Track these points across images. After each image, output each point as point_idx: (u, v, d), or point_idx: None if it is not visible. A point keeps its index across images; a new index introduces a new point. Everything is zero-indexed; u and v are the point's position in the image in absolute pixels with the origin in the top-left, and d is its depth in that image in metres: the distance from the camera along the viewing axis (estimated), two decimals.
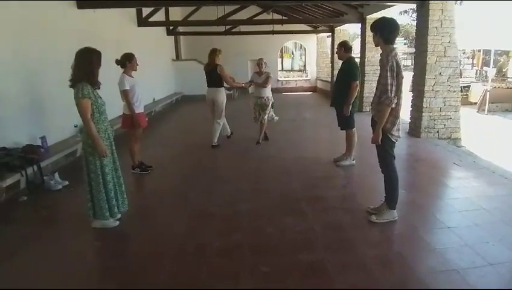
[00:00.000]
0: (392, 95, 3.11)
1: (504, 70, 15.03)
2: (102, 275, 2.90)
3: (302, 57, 21.82)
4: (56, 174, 4.61)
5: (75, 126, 5.82)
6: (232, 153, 6.19)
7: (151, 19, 9.82)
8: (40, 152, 4.67)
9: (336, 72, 5.85)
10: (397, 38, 3.41)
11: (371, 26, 3.30)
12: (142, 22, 9.72)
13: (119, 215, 3.52)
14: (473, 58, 23.48)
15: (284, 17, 12.47)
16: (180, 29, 13.49)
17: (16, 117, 4.70)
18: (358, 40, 11.40)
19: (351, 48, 5.12)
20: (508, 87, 12.39)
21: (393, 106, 3.15)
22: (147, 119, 5.21)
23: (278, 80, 16.66)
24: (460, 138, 7.06)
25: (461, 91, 8.32)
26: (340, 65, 5.29)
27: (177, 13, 12.75)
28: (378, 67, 3.34)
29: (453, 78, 6.82)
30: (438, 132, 6.93)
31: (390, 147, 3.35)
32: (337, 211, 3.81)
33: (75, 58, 3.19)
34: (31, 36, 5.04)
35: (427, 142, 6.67)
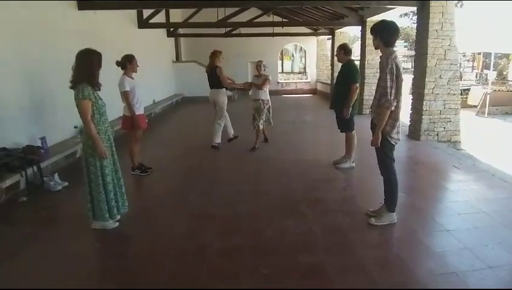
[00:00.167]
0: (392, 97, 3.11)
1: (505, 73, 15.07)
2: (102, 275, 2.91)
3: (302, 59, 21.88)
4: (56, 175, 4.61)
5: (75, 127, 5.82)
6: (232, 155, 6.19)
7: (151, 21, 9.85)
8: (40, 153, 4.68)
9: (336, 74, 5.85)
10: (397, 41, 3.42)
11: (371, 29, 3.31)
12: (143, 23, 9.75)
13: (118, 217, 3.52)
14: (473, 61, 23.53)
15: (284, 20, 12.52)
16: (181, 31, 13.51)
17: (16, 118, 4.71)
18: (359, 42, 11.42)
19: (350, 50, 5.13)
20: (508, 90, 12.42)
21: (393, 108, 3.16)
22: (147, 120, 5.22)
23: (278, 82, 16.68)
24: (460, 141, 7.06)
25: (461, 94, 8.33)
26: (340, 68, 5.30)
27: (177, 15, 12.79)
28: (378, 70, 3.35)
29: (453, 81, 6.83)
30: (437, 134, 6.93)
31: (390, 149, 3.36)
32: (336, 213, 3.81)
33: (76, 59, 3.20)
34: (31, 37, 5.05)
35: (426, 145, 6.67)
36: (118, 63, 4.76)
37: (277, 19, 12.15)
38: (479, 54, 19.27)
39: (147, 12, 9.71)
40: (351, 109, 5.00)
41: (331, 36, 13.69)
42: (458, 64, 7.39)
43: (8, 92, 4.57)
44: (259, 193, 4.41)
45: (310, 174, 5.07)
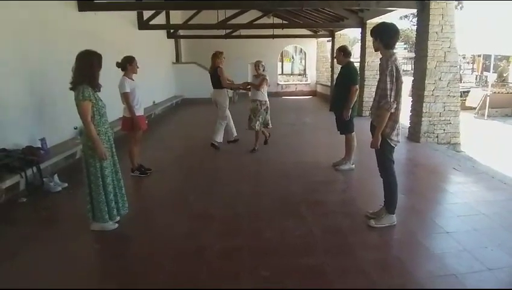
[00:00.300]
0: (392, 100, 3.12)
1: (505, 75, 15.09)
2: (102, 275, 2.91)
3: (302, 61, 21.90)
4: (55, 176, 4.62)
5: (74, 128, 5.83)
6: (232, 156, 6.20)
7: (151, 22, 9.87)
8: (39, 154, 4.68)
9: (335, 76, 5.86)
10: (397, 43, 3.42)
11: (371, 31, 3.32)
12: (143, 25, 9.76)
13: (118, 218, 3.52)
14: (473, 63, 23.57)
15: (284, 22, 12.53)
16: (181, 32, 13.53)
17: (15, 119, 4.71)
18: (359, 44, 11.44)
19: (350, 52, 5.14)
20: (508, 92, 12.44)
21: (393, 110, 3.16)
22: (146, 122, 5.22)
23: (278, 84, 16.70)
24: (459, 143, 7.06)
25: (461, 96, 8.34)
26: (339, 70, 5.30)
27: (177, 16, 12.81)
28: (378, 72, 3.35)
29: (452, 83, 6.84)
30: (437, 136, 6.94)
31: (390, 151, 3.36)
32: (336, 215, 3.81)
33: (76, 60, 3.21)
34: (31, 37, 5.06)
35: (426, 147, 6.68)
36: (118, 64, 4.77)
37: (277, 20, 12.17)
38: (479, 56, 19.30)
39: (147, 14, 9.73)
40: (350, 110, 5.01)
41: (331, 38, 13.72)
42: (458, 67, 7.40)
43: (8, 93, 4.57)
44: (259, 194, 4.41)
45: (309, 176, 5.07)
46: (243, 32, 12.39)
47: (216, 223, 3.64)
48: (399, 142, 3.36)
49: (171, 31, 12.77)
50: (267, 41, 13.69)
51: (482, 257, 2.91)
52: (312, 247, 3.16)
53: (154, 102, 10.75)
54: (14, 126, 4.68)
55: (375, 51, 3.38)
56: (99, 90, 3.33)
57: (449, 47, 6.69)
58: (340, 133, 5.31)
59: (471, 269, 2.75)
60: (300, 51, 21.08)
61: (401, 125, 3.49)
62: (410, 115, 7.25)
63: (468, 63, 24.73)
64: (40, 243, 3.27)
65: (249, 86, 6.34)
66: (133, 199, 3.99)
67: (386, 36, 3.21)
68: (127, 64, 4.76)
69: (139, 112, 4.88)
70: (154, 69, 10.71)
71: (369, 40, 8.22)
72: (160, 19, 10.65)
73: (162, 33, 12.40)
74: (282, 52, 18.83)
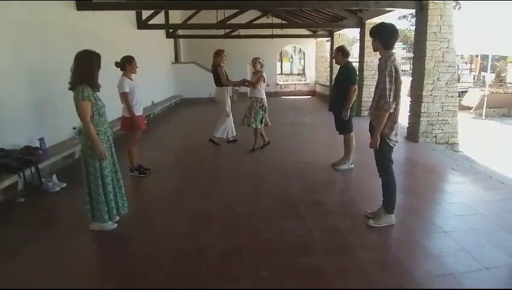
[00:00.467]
0: (391, 100, 3.13)
1: (503, 75, 15.13)
2: (102, 275, 2.92)
3: (301, 61, 21.93)
4: (54, 176, 4.61)
5: (73, 128, 5.82)
6: (232, 156, 6.20)
7: (150, 22, 9.86)
8: (38, 154, 4.67)
9: (334, 76, 5.87)
10: (396, 43, 3.44)
11: (370, 31, 3.33)
12: (142, 24, 9.75)
13: (117, 218, 3.52)
14: (471, 63, 23.64)
15: (283, 21, 12.53)
16: (180, 32, 13.52)
17: (14, 118, 4.69)
18: (357, 44, 11.46)
19: (348, 52, 5.16)
20: (505, 93, 12.48)
21: (392, 110, 3.17)
22: (146, 121, 5.22)
23: (277, 84, 16.71)
24: (457, 143, 7.09)
25: (459, 96, 8.37)
26: (338, 70, 5.31)
27: (176, 16, 12.79)
28: (377, 72, 3.36)
29: (451, 83, 6.86)
30: (435, 136, 6.96)
31: (388, 151, 3.37)
32: (335, 215, 3.82)
33: (75, 60, 3.20)
34: (30, 37, 5.05)
35: (424, 147, 6.70)
36: (117, 64, 4.76)
37: (276, 20, 12.16)
38: (477, 56, 19.35)
39: (146, 13, 9.72)
40: (349, 110, 5.02)
41: (330, 38, 13.73)
42: (456, 67, 7.43)
43: (6, 92, 4.56)
44: (259, 194, 4.42)
45: (308, 176, 5.08)
46: (242, 32, 12.38)
47: (216, 223, 3.65)
48: (398, 142, 3.37)
49: (170, 30, 12.76)
50: (266, 41, 13.70)
51: (480, 256, 2.93)
52: (311, 247, 3.17)
53: (153, 102, 10.74)
54: (12, 126, 4.67)
55: (374, 51, 3.39)
56: (98, 90, 3.33)
57: (447, 47, 6.71)
58: (339, 133, 5.32)
59: (469, 269, 2.77)
60: (300, 51, 21.12)
61: (400, 125, 3.50)
62: (409, 115, 7.27)
63: (466, 63, 24.81)
64: (39, 243, 3.27)
65: (247, 83, 6.34)
66: (132, 199, 3.99)
67: (385, 36, 3.22)
68: (126, 64, 4.76)
69: (138, 111, 4.88)
70: (153, 69, 10.69)
71: (368, 40, 8.25)
72: (159, 19, 10.64)
73: (161, 33, 12.38)
74: (281, 52, 18.84)
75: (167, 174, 5.36)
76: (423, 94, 6.78)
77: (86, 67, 3.18)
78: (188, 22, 11.15)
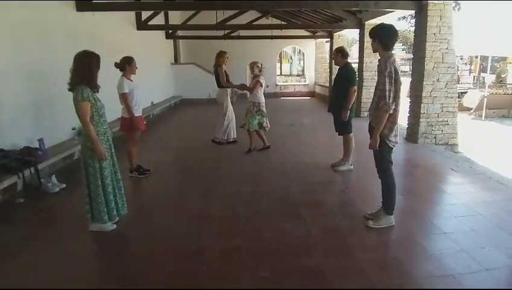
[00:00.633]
0: (390, 101, 3.13)
1: (503, 76, 15.13)
2: (102, 275, 2.92)
3: (300, 62, 21.93)
4: (53, 177, 4.61)
5: (73, 129, 5.81)
6: (232, 157, 6.19)
7: (150, 23, 9.85)
8: (37, 154, 4.67)
9: (334, 77, 5.87)
10: (395, 44, 3.44)
11: (370, 32, 3.33)
12: (142, 25, 9.75)
13: (117, 219, 3.52)
14: (470, 64, 23.66)
15: (283, 22, 12.54)
16: (180, 33, 13.52)
17: (13, 119, 4.69)
18: (357, 45, 11.46)
19: (347, 53, 5.16)
20: (505, 93, 12.49)
21: (391, 111, 3.17)
22: (145, 122, 5.22)
23: (277, 85, 16.71)
24: (457, 144, 7.09)
25: (458, 97, 8.37)
26: (337, 71, 5.32)
27: (176, 17, 12.80)
28: (377, 73, 3.36)
29: (450, 84, 6.87)
30: (435, 137, 6.96)
31: (388, 152, 3.37)
32: (335, 215, 3.82)
33: (74, 61, 3.20)
34: (29, 37, 5.05)
35: (424, 148, 6.70)
36: (117, 65, 4.76)
37: (276, 21, 12.16)
38: (476, 57, 19.36)
39: (145, 14, 9.72)
40: (349, 111, 5.02)
41: (329, 39, 13.74)
42: (456, 68, 7.43)
43: (5, 93, 4.56)
44: (259, 195, 4.42)
45: (308, 177, 5.08)
46: (242, 33, 12.39)
47: (216, 223, 3.65)
48: (397, 143, 3.37)
49: (170, 31, 12.76)
50: (265, 42, 13.71)
51: (480, 257, 2.93)
52: (311, 247, 3.17)
53: (152, 102, 10.74)
54: (11, 126, 4.66)
55: (374, 52, 3.39)
56: (98, 91, 3.33)
57: (447, 48, 6.72)
58: (339, 134, 5.32)
59: (468, 270, 2.77)
60: (299, 52, 21.11)
61: (399, 126, 3.50)
62: (408, 116, 7.28)
63: (465, 64, 24.81)
64: (39, 244, 3.27)
65: (245, 89, 6.37)
66: (132, 200, 3.99)
67: (384, 37, 3.22)
68: (126, 65, 4.76)
69: (138, 112, 4.88)
70: (153, 70, 10.70)
71: (367, 41, 8.25)
72: (159, 20, 10.65)
73: (161, 34, 12.39)
74: (281, 52, 18.84)
75: (167, 175, 5.36)
76: (423, 95, 6.79)
77: (85, 68, 3.18)
78: (188, 23, 11.15)
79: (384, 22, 3.52)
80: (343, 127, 5.18)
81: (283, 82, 18.27)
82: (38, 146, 4.85)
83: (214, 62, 6.63)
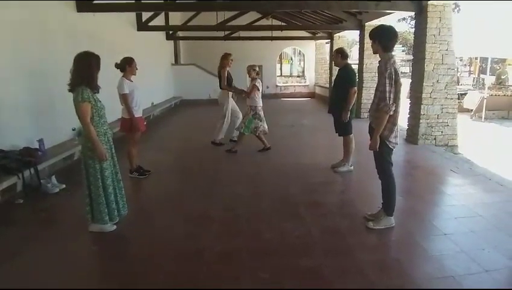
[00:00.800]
0: (391, 102, 3.13)
1: (503, 77, 15.12)
2: (102, 275, 2.92)
3: (300, 63, 21.95)
4: (53, 177, 4.60)
5: (73, 129, 5.82)
6: (232, 158, 6.19)
7: (150, 24, 9.86)
8: (37, 155, 4.67)
9: (334, 78, 5.88)
10: (395, 46, 3.44)
11: (370, 33, 3.33)
12: (142, 26, 9.76)
13: (118, 219, 3.51)
14: (470, 65, 23.66)
15: (283, 24, 12.56)
16: (180, 34, 13.53)
17: (13, 119, 4.69)
18: (357, 46, 11.47)
19: (347, 54, 5.17)
20: (505, 95, 12.49)
21: (392, 113, 3.18)
22: (145, 123, 5.22)
23: (277, 86, 16.73)
24: (457, 145, 7.09)
25: (458, 98, 8.38)
26: (337, 72, 5.32)
27: (176, 18, 12.81)
28: (377, 74, 3.36)
29: (450, 85, 6.88)
30: (435, 138, 6.96)
31: (388, 153, 3.37)
32: (335, 216, 3.83)
33: (74, 62, 3.20)
34: (29, 38, 5.05)
35: (424, 149, 6.70)
36: (117, 66, 4.76)
37: (276, 22, 12.17)
38: (476, 58, 19.36)
39: (146, 15, 9.72)
40: (349, 112, 5.02)
41: (329, 40, 13.76)
42: (455, 69, 7.44)
43: (5, 93, 4.56)
44: (259, 195, 4.42)
45: (308, 178, 5.08)
46: (242, 34, 12.40)
47: (216, 224, 3.65)
48: (397, 144, 3.37)
49: (170, 32, 12.77)
50: (266, 43, 13.72)
51: (479, 258, 2.93)
52: (311, 248, 3.17)
53: (152, 103, 10.74)
54: (11, 127, 4.66)
55: (374, 53, 3.40)
56: (98, 92, 3.33)
57: (447, 49, 6.72)
58: (339, 135, 5.32)
59: (468, 271, 2.76)
60: (299, 53, 21.13)
61: (399, 128, 3.50)
62: (408, 117, 7.28)
63: (465, 65, 24.82)
64: (39, 244, 3.27)
65: (244, 95, 6.38)
66: (132, 200, 3.99)
67: (384, 39, 3.23)
68: (126, 66, 4.76)
69: (138, 113, 4.88)
70: (153, 71, 10.71)
71: (368, 42, 8.25)
72: (159, 20, 10.65)
73: (161, 34, 12.41)
74: (281, 54, 18.85)
75: (167, 176, 5.36)
76: (423, 96, 6.79)
77: (85, 69, 3.18)
78: (188, 24, 11.16)
79: (384, 24, 3.53)
80: (343, 128, 5.18)
81: (283, 83, 18.28)
82: (38, 147, 4.85)
83: (219, 64, 6.69)
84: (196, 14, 10.95)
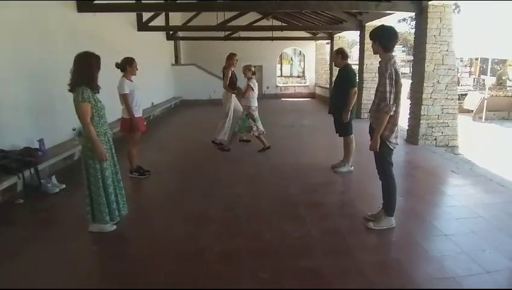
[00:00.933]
0: (391, 102, 3.13)
1: (504, 78, 15.12)
2: (102, 275, 2.92)
3: (301, 63, 21.96)
4: (53, 177, 4.60)
5: (73, 129, 5.82)
6: (232, 158, 6.19)
7: (151, 24, 9.86)
8: (37, 155, 4.66)
9: (334, 78, 5.87)
10: (396, 46, 3.44)
11: (370, 34, 3.33)
12: (142, 26, 9.76)
13: (118, 219, 3.51)
14: (470, 66, 23.66)
15: (283, 24, 12.56)
16: (180, 34, 13.54)
17: (13, 119, 4.69)
18: (357, 47, 11.47)
19: (347, 55, 5.17)
20: (505, 96, 12.49)
21: (392, 113, 3.18)
22: (145, 123, 5.22)
23: (277, 86, 16.73)
24: (457, 146, 7.09)
25: (458, 99, 8.38)
26: (337, 72, 5.32)
27: (177, 18, 12.81)
28: (377, 75, 3.36)
29: (450, 86, 6.87)
30: (435, 139, 6.96)
31: (388, 154, 3.37)
32: (335, 216, 3.82)
33: (74, 62, 3.20)
34: (30, 38, 5.05)
35: (424, 149, 6.70)
36: (118, 66, 4.76)
37: (276, 23, 12.18)
38: (476, 59, 19.36)
39: (146, 15, 9.72)
40: (349, 113, 5.02)
41: (329, 40, 13.76)
42: (456, 70, 7.44)
43: (5, 93, 4.55)
44: (259, 196, 4.42)
45: (308, 178, 5.08)
46: (242, 34, 12.41)
47: (216, 224, 3.64)
48: (398, 144, 3.37)
49: (171, 32, 12.77)
50: (266, 44, 13.73)
51: (480, 259, 2.92)
52: (311, 248, 3.16)
53: (153, 103, 10.75)
54: (11, 127, 4.66)
55: (374, 54, 3.39)
56: (98, 92, 3.33)
57: (447, 50, 6.72)
58: (339, 135, 5.32)
59: (469, 272, 2.76)
60: (299, 53, 21.13)
61: (400, 128, 3.50)
62: (409, 118, 7.28)
63: (465, 66, 24.82)
64: (39, 244, 3.26)
65: (238, 93, 6.42)
66: (132, 200, 3.98)
67: (385, 39, 3.22)
68: (127, 66, 4.76)
69: (138, 113, 4.88)
70: (154, 71, 10.71)
71: (368, 42, 8.26)
72: (159, 21, 10.65)
73: (162, 35, 12.41)
74: (281, 54, 18.86)
75: (167, 176, 5.35)
76: (423, 97, 6.79)
77: (85, 69, 3.17)
78: (188, 24, 11.16)
79: (385, 24, 3.52)
80: (343, 129, 5.17)
81: (283, 83, 18.29)
82: (38, 147, 4.84)
83: (224, 64, 6.75)
84: (196, 14, 10.95)
